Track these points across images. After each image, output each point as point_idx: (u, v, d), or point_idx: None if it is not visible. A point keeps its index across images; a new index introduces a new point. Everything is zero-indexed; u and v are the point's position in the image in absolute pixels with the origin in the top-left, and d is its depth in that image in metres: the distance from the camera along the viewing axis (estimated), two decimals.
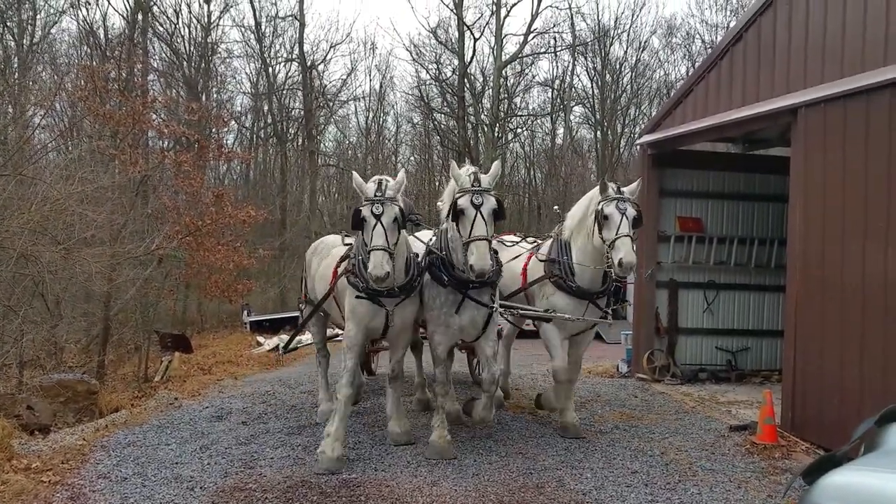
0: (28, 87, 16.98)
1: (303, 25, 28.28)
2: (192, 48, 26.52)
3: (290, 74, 29.26)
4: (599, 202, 6.54)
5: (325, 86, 29.95)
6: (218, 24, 27.37)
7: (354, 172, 6.00)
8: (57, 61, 22.82)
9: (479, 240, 5.57)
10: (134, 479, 5.75)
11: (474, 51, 28.41)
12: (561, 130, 32.15)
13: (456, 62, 28.79)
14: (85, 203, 10.04)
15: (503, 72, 28.60)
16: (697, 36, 31.25)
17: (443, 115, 30.15)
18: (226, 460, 6.29)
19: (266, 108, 28.91)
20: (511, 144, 31.99)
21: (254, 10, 27.98)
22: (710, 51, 24.75)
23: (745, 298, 11.38)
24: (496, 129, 28.46)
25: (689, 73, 13.48)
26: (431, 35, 29.71)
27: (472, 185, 5.76)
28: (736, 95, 8.89)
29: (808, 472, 2.67)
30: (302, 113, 28.45)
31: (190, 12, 26.42)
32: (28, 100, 14.19)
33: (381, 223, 5.50)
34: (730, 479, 6.02)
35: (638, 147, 11.87)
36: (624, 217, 6.33)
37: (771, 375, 10.77)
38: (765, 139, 10.29)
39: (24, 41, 22.26)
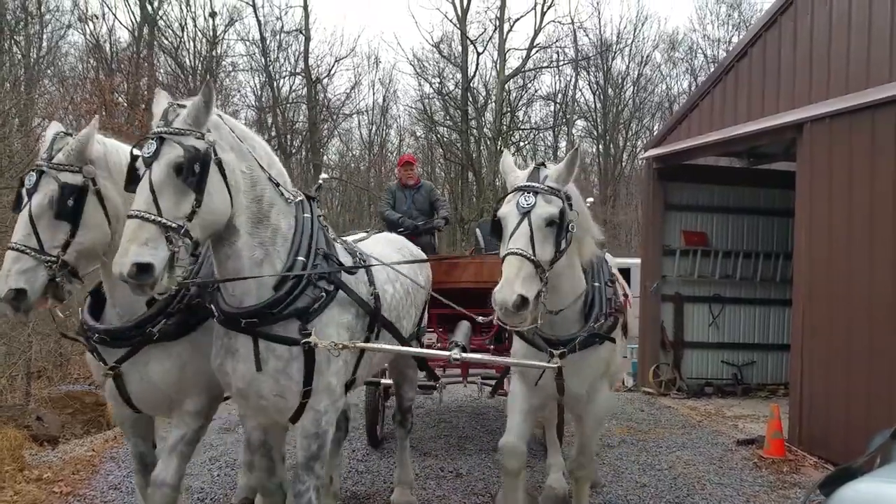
0: (35, 100, 17.11)
1: (307, 40, 28.53)
2: (197, 62, 26.73)
3: (294, 88, 29.51)
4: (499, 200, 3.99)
5: (330, 99, 30.13)
6: (223, 38, 27.64)
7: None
8: (64, 74, 22.97)
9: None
10: None
11: (477, 65, 28.62)
12: (563, 144, 32.29)
13: (459, 76, 28.96)
14: None
15: (506, 86, 28.76)
16: (700, 51, 31.48)
17: (445, 129, 30.29)
18: (234, 472, 6.31)
19: (270, 121, 29.08)
20: (513, 158, 32.07)
21: (259, 25, 28.23)
22: (712, 65, 24.95)
23: (750, 312, 11.40)
24: (499, 142, 28.56)
25: (692, 88, 13.59)
26: (434, 49, 29.91)
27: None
28: (741, 110, 8.97)
29: (825, 483, 2.70)
30: (306, 126, 28.60)
31: (195, 26, 26.66)
32: (35, 112, 14.30)
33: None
34: (739, 493, 6.03)
35: (643, 161, 11.96)
36: (526, 220, 3.51)
37: (777, 389, 10.78)
38: (769, 153, 10.38)
39: (32, 54, 22.45)
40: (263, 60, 28.47)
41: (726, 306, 11.31)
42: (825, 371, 7.19)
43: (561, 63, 30.79)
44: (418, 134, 32.66)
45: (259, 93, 29.65)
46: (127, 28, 25.35)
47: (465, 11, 28.10)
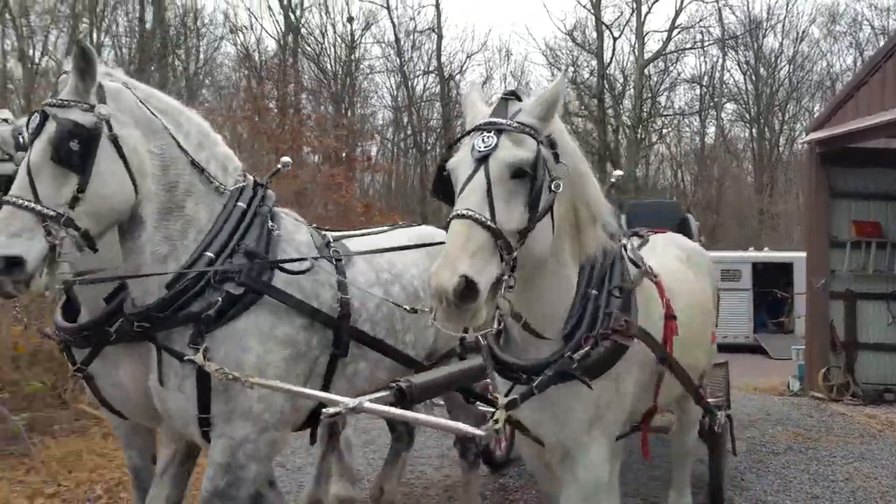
0: (195, 109, 18.43)
1: (440, 38, 28.95)
2: (337, 66, 27.83)
3: (428, 86, 30.01)
4: (449, 146, 3.39)
5: (462, 95, 30.29)
6: (360, 42, 28.60)
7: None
8: (220, 84, 24.72)
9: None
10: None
11: (613, 50, 27.80)
12: (712, 129, 30.62)
13: (594, 63, 28.22)
14: None
15: (645, 70, 27.66)
16: (866, 22, 28.63)
17: (581, 119, 29.61)
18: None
19: (406, 120, 29.73)
20: (656, 146, 30.88)
21: (393, 26, 28.96)
22: (882, 38, 22.61)
23: None
24: (639, 130, 27.55)
25: (858, 64, 12.35)
26: (568, 37, 29.34)
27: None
28: None
29: None
30: (440, 123, 28.99)
31: (335, 32, 27.79)
32: None
33: None
34: None
35: (803, 145, 11.03)
36: (482, 169, 2.28)
37: None
38: None
39: (191, 67, 24.34)
40: (398, 61, 29.20)
41: None
42: None
43: (706, 43, 29.20)
44: None
45: (395, 93, 30.45)
46: (273, 37, 26.97)
47: None
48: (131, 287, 2.86)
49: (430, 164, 29.59)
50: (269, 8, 27.50)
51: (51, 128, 2.53)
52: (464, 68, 30.52)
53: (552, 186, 2.34)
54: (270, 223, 3.02)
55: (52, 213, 2.47)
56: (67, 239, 2.51)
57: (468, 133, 2.39)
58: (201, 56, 25.15)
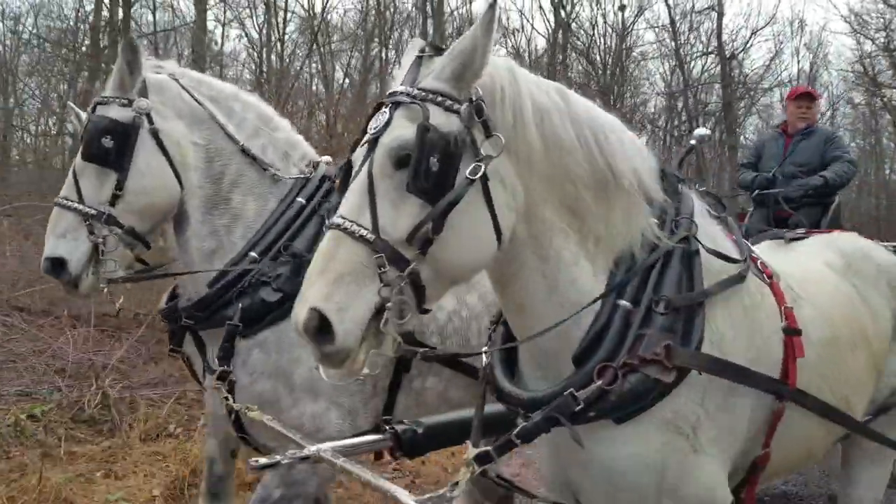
0: None
1: (720, 16, 26.94)
2: (607, 56, 27.32)
3: (706, 68, 28.14)
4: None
5: (746, 75, 27.96)
6: (632, 29, 27.75)
7: None
8: None
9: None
10: None
11: None
12: None
13: None
14: None
15: None
16: None
17: (895, 91, 25.40)
18: None
19: (680, 106, 28.21)
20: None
21: (669, 9, 27.48)
22: None
23: None
24: None
25: None
26: None
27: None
28: None
29: None
30: (719, 106, 27.00)
31: (605, 22, 27.27)
32: None
33: None
34: None
35: None
36: (368, 161, 1.73)
37: None
38: None
39: None
40: (673, 44, 27.75)
41: None
42: None
43: None
44: (857, 101, 28.12)
45: (668, 78, 29.01)
46: (542, 35, 27.31)
47: None
48: (187, 283, 2.79)
49: (708, 151, 27.75)
50: (541, 7, 27.94)
51: (92, 126, 2.52)
52: (748, 45, 28.05)
53: (478, 171, 1.67)
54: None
55: (92, 211, 2.46)
56: (111, 237, 2.48)
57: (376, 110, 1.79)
58: None
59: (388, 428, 2.21)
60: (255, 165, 2.70)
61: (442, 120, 1.67)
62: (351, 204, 1.68)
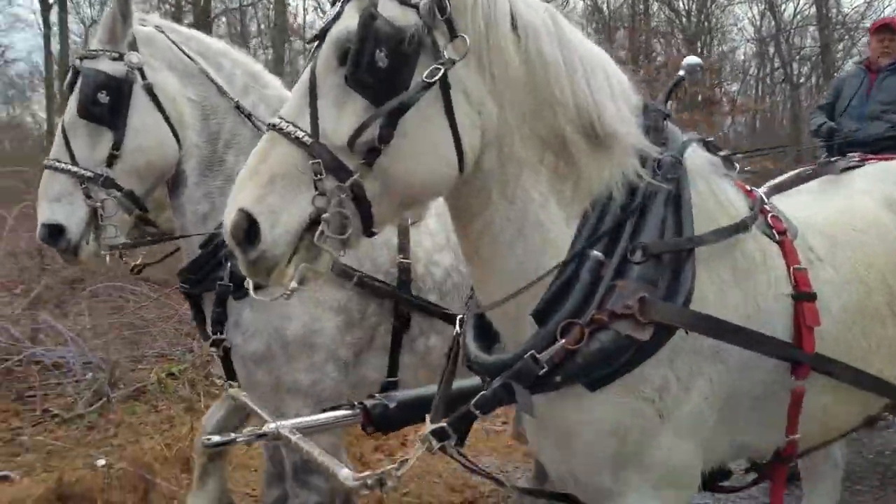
0: None
1: None
2: (690, 3, 26.04)
3: (799, 10, 26.38)
4: None
5: (845, 14, 26.07)
6: None
7: None
8: None
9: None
10: None
11: None
12: None
13: None
14: None
15: None
16: None
17: None
18: None
19: (772, 51, 26.66)
20: None
21: None
22: None
23: None
24: None
25: None
26: None
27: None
28: None
29: None
30: (816, 50, 25.34)
31: None
32: None
33: None
34: None
35: None
36: (315, 58, 1.58)
37: None
38: None
39: None
40: None
41: None
42: None
43: None
44: None
45: (758, 23, 27.42)
46: None
47: None
48: (183, 247, 2.67)
49: (805, 98, 26.18)
50: None
51: (82, 82, 2.34)
52: None
53: (427, 75, 1.45)
54: None
55: (89, 174, 2.30)
56: (110, 201, 2.33)
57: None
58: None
59: (356, 403, 2.07)
60: (248, 124, 2.55)
61: (396, 13, 1.46)
62: (291, 104, 1.53)
